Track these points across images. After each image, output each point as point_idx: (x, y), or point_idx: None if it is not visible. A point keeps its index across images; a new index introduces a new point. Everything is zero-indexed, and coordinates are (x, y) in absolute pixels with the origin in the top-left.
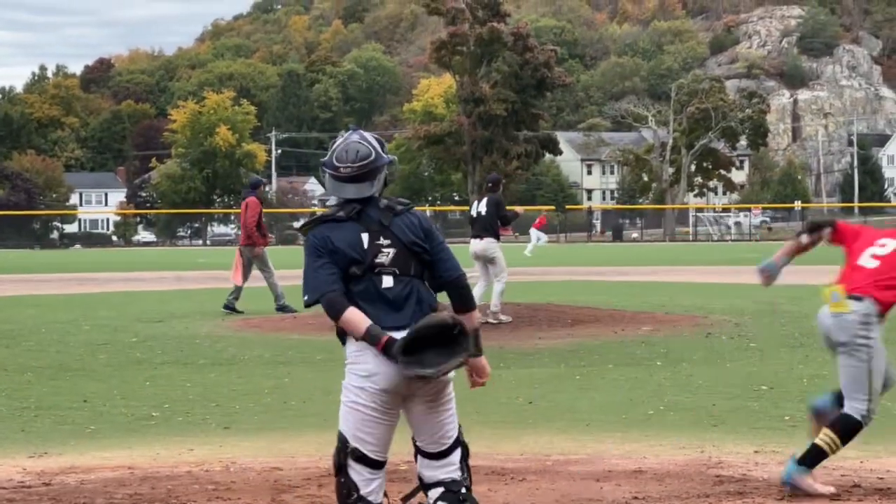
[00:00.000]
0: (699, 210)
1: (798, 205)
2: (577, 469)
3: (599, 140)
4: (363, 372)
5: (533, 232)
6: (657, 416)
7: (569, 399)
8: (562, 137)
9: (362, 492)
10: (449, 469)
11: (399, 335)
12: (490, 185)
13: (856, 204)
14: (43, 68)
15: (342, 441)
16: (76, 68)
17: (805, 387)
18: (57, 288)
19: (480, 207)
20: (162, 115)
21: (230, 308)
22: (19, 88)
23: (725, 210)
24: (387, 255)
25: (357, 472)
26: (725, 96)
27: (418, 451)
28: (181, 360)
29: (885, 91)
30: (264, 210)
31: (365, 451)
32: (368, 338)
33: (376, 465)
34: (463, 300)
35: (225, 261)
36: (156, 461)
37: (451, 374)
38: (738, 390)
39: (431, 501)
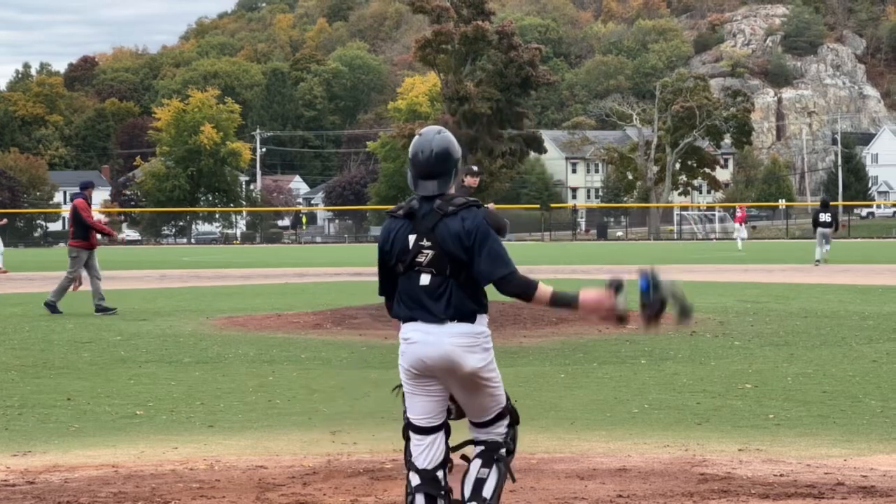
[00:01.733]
0: (684, 208)
1: (782, 203)
2: (562, 467)
3: (584, 138)
4: (400, 350)
5: (739, 227)
6: (642, 414)
7: (553, 397)
8: (547, 136)
9: (413, 457)
10: (490, 433)
11: (429, 329)
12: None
13: (840, 202)
14: (27, 66)
15: (404, 410)
16: (63, 67)
17: (789, 385)
18: (40, 286)
19: None
20: (146, 113)
21: (103, 310)
22: (2, 86)
23: (710, 208)
24: (426, 255)
25: (411, 439)
26: (710, 95)
27: (469, 422)
28: (165, 359)
29: (869, 90)
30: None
31: (410, 418)
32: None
33: (421, 430)
34: (516, 292)
35: (210, 259)
36: (140, 459)
37: (491, 368)
38: (722, 389)
39: (472, 457)
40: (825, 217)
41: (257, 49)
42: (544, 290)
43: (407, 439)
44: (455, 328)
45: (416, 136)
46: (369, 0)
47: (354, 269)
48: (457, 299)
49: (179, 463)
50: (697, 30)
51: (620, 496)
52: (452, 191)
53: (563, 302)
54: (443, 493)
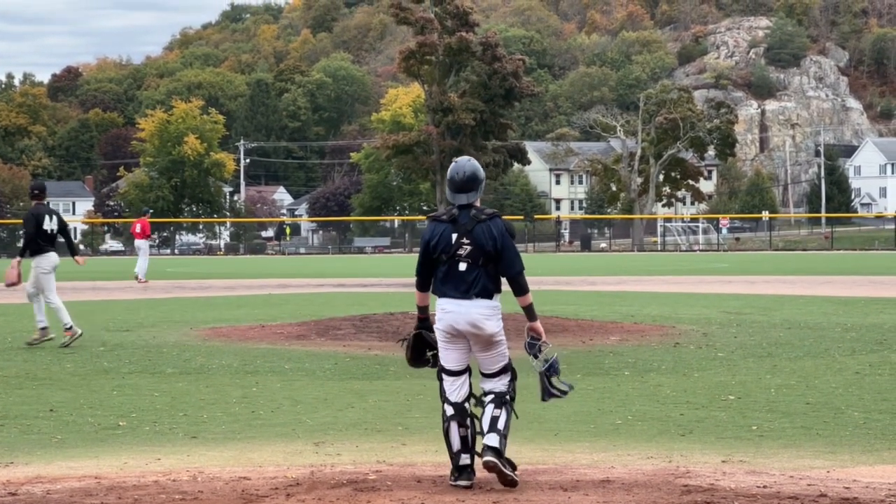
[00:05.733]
0: (667, 220)
1: (766, 215)
2: (546, 479)
3: (568, 150)
4: (438, 318)
5: None
6: (625, 425)
7: (537, 409)
8: (530, 147)
9: (447, 393)
10: (497, 384)
11: (461, 302)
12: (36, 192)
13: (823, 214)
14: (10, 76)
15: (439, 361)
16: (47, 77)
17: (773, 397)
18: (23, 297)
19: (52, 224)
20: (130, 123)
21: None
22: None
23: (693, 220)
24: (465, 250)
25: (444, 380)
26: (693, 106)
27: (480, 373)
28: (149, 370)
29: (852, 102)
30: None
31: (444, 365)
32: (418, 310)
33: (453, 373)
34: (514, 288)
35: (194, 270)
36: (123, 471)
37: (502, 333)
38: (705, 400)
39: (486, 403)
40: None
41: (241, 60)
42: (530, 296)
43: (440, 381)
44: (479, 302)
45: (453, 163)
46: (353, 11)
47: (338, 281)
48: (482, 282)
49: (162, 474)
50: (681, 42)
51: None
52: (478, 203)
53: (530, 312)
54: (469, 419)
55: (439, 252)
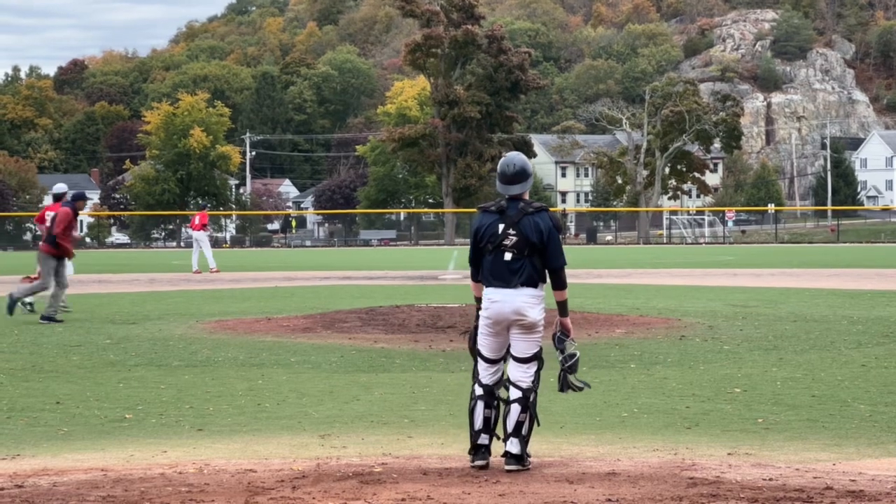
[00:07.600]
0: (673, 213)
1: (772, 208)
2: (551, 471)
3: (574, 142)
4: (484, 307)
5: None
6: (631, 418)
7: (543, 401)
8: (536, 140)
9: (480, 376)
10: (526, 374)
11: (506, 292)
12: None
13: (829, 207)
14: (16, 69)
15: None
16: (53, 70)
17: (778, 389)
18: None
19: None
20: (136, 116)
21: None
22: None
23: (699, 213)
24: (511, 240)
25: (480, 364)
26: (699, 99)
27: (510, 356)
28: (155, 362)
29: (858, 95)
30: None
31: (482, 352)
32: (476, 301)
33: (490, 361)
34: (555, 281)
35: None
36: (129, 463)
37: (542, 321)
38: (711, 393)
39: (511, 400)
40: None
41: (247, 53)
42: (566, 292)
43: (476, 363)
44: (524, 291)
45: (504, 157)
46: (359, 4)
47: (344, 273)
48: (527, 272)
49: (168, 466)
50: (687, 34)
51: (609, 500)
52: (527, 196)
53: (563, 307)
54: (495, 402)
55: (486, 242)
